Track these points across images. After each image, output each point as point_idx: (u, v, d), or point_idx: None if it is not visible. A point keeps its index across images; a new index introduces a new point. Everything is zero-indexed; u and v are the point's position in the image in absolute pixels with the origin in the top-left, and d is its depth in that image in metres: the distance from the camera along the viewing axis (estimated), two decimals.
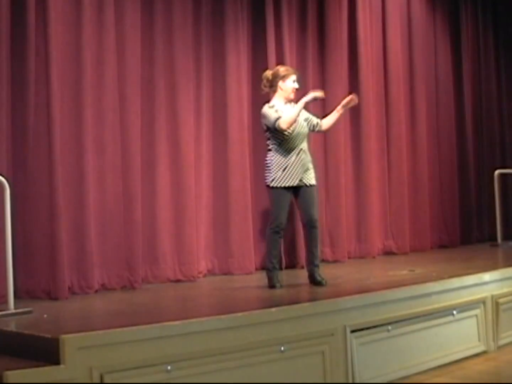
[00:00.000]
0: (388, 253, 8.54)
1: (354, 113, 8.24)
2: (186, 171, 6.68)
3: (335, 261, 7.80)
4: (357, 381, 4.88)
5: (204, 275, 6.86)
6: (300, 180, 5.69)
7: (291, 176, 5.66)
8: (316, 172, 5.92)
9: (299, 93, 7.34)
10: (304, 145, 5.77)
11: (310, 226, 5.74)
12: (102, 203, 6.09)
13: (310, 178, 5.75)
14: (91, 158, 5.99)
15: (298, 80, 5.85)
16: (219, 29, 7.11)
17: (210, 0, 7.08)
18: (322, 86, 7.99)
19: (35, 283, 5.62)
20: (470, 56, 9.90)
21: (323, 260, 7.80)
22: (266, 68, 7.30)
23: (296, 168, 5.68)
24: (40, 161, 5.64)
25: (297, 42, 7.77)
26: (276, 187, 5.67)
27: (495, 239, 8.98)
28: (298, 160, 5.69)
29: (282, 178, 5.66)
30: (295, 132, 5.69)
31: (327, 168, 7.99)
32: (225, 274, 6.98)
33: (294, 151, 5.69)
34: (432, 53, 9.41)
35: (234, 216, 7.02)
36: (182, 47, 6.72)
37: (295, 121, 5.65)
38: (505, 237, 9.03)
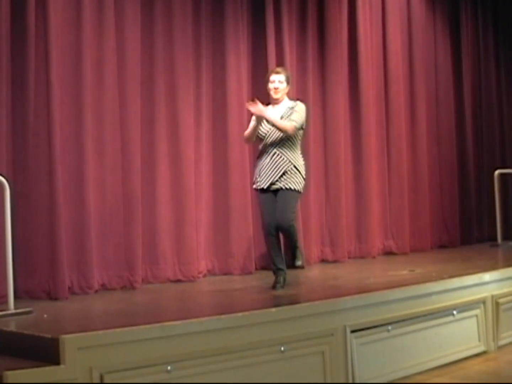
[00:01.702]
0: (388, 253, 8.54)
1: (354, 113, 8.26)
2: (186, 171, 6.68)
3: (335, 261, 7.80)
4: (357, 381, 4.88)
5: (204, 275, 6.86)
6: (275, 184, 5.66)
7: (263, 179, 5.70)
8: (305, 176, 5.79)
9: (300, 91, 7.31)
10: (279, 149, 5.67)
11: (281, 230, 5.70)
12: (102, 203, 6.09)
13: (288, 182, 5.65)
14: (91, 158, 5.99)
15: (282, 79, 5.77)
16: (219, 29, 7.11)
17: (210, 0, 7.08)
18: (322, 86, 8.02)
19: (35, 283, 5.62)
20: (470, 56, 9.90)
21: (323, 260, 7.83)
22: (266, 68, 7.33)
23: (267, 171, 5.68)
24: (40, 161, 5.64)
25: (297, 42, 7.77)
26: (256, 189, 5.81)
27: (495, 239, 8.97)
28: (270, 163, 5.67)
29: (258, 180, 5.75)
30: (267, 135, 5.70)
31: (327, 168, 7.99)
32: (225, 274, 6.97)
33: (267, 153, 5.69)
34: (432, 53, 9.41)
35: (234, 216, 7.02)
36: (182, 47, 6.72)
37: (249, 133, 5.79)
38: (505, 237, 9.02)
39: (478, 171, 9.86)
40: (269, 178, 5.68)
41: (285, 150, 5.69)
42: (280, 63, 7.37)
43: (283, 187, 5.66)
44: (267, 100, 5.85)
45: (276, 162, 5.67)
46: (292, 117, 5.69)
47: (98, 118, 6.10)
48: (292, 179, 5.68)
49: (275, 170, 5.67)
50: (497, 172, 9.07)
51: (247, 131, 5.89)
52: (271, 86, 5.80)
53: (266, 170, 5.69)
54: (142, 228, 6.32)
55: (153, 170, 6.53)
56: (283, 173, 5.66)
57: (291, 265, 5.81)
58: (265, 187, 5.70)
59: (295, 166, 5.69)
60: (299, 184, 5.71)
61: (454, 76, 9.65)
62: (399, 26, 8.89)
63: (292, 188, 5.67)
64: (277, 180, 5.66)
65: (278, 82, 5.78)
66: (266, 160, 5.70)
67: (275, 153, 5.68)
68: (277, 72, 5.86)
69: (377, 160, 8.51)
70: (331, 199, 7.92)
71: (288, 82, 5.86)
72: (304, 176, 5.78)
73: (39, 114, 5.65)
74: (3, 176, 4.90)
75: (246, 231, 7.05)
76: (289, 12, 7.63)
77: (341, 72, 8.11)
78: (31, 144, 5.63)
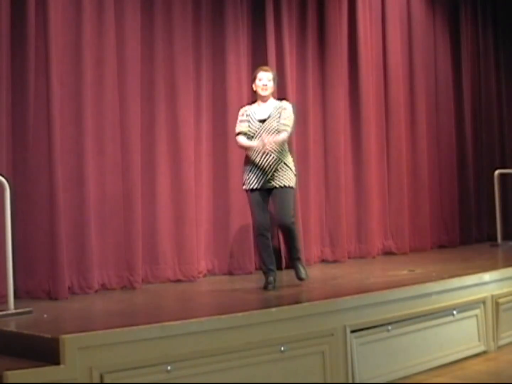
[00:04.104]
0: (387, 253, 8.55)
1: (354, 113, 8.26)
2: (186, 171, 6.68)
3: (335, 261, 7.81)
4: (357, 381, 4.88)
5: (204, 275, 6.86)
6: (269, 182, 5.67)
7: (256, 178, 5.69)
8: (298, 173, 5.89)
9: (300, 91, 7.30)
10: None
11: (282, 228, 5.76)
12: (102, 203, 6.09)
13: (282, 179, 5.67)
14: (91, 158, 5.99)
15: (270, 77, 5.78)
16: (219, 29, 7.11)
17: (210, 0, 7.08)
18: (322, 86, 8.02)
19: (35, 283, 5.62)
20: (470, 56, 9.91)
21: (323, 260, 7.83)
22: None
23: (260, 170, 5.67)
24: (40, 161, 5.64)
25: (297, 42, 7.77)
26: (247, 190, 5.75)
27: (495, 239, 8.98)
28: (262, 162, 5.65)
29: (250, 180, 5.71)
30: (255, 135, 5.69)
31: (327, 168, 7.99)
32: (225, 274, 6.98)
33: (257, 153, 5.65)
34: (432, 53, 9.42)
35: (234, 216, 7.02)
36: (182, 47, 6.73)
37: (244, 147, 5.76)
38: (505, 237, 9.03)
39: (477, 171, 9.87)
40: (261, 177, 5.68)
41: (276, 147, 5.67)
42: (280, 63, 7.39)
43: (277, 185, 5.68)
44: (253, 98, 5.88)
45: (266, 161, 5.66)
46: (284, 121, 5.71)
47: (98, 118, 6.10)
48: (284, 176, 5.69)
49: (266, 169, 5.66)
50: (497, 172, 9.08)
51: (244, 144, 5.75)
52: (259, 83, 5.81)
53: (257, 170, 5.68)
54: (142, 228, 6.32)
55: (153, 170, 6.53)
56: (274, 171, 5.67)
57: (295, 277, 5.79)
58: (258, 187, 5.69)
59: (285, 163, 5.72)
60: (292, 181, 5.74)
61: (453, 76, 9.66)
62: (399, 26, 8.90)
63: (287, 185, 5.69)
64: (269, 179, 5.67)
65: (266, 79, 5.81)
66: (256, 159, 5.68)
67: (264, 152, 5.65)
68: (266, 70, 5.89)
69: (377, 160, 8.52)
70: (331, 199, 7.92)
71: (274, 82, 5.89)
72: (295, 172, 5.81)
73: (39, 114, 5.65)
74: (3, 176, 4.90)
75: (246, 231, 7.05)
76: (289, 12, 7.64)
77: (341, 72, 8.12)
78: (31, 144, 5.64)
